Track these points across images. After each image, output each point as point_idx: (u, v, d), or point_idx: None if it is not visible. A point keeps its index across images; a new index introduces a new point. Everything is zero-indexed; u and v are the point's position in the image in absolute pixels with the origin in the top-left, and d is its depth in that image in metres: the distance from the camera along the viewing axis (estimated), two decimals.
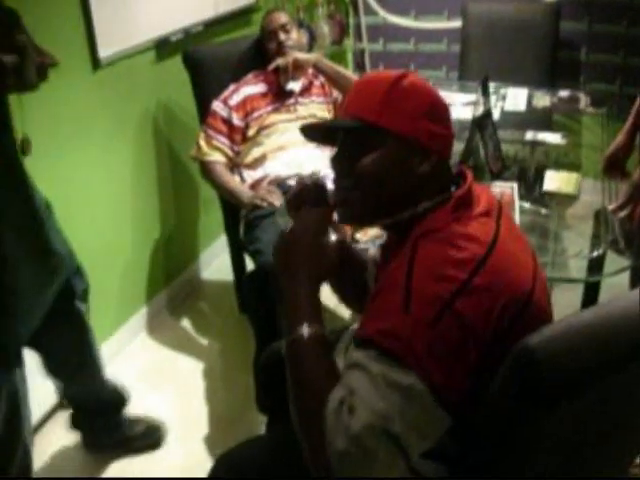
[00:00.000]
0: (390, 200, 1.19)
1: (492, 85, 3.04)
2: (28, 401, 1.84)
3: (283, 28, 2.68)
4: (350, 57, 4.21)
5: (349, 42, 4.14)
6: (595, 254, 1.90)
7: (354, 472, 1.01)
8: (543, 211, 2.15)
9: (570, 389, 0.86)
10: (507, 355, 0.97)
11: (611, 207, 2.18)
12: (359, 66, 4.18)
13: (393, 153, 1.17)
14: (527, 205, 2.14)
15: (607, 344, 0.88)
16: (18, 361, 1.77)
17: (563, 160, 2.59)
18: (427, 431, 1.04)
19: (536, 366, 0.86)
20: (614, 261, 2.04)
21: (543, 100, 3.02)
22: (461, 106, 2.91)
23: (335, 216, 1.27)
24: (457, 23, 3.74)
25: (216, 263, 3.44)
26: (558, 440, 0.97)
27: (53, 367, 2.06)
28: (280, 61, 2.65)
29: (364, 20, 4.05)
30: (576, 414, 0.93)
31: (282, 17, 2.72)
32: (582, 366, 0.86)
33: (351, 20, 4.12)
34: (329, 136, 1.28)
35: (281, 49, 2.66)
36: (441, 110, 1.22)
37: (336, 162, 1.24)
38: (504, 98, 3.02)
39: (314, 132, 1.32)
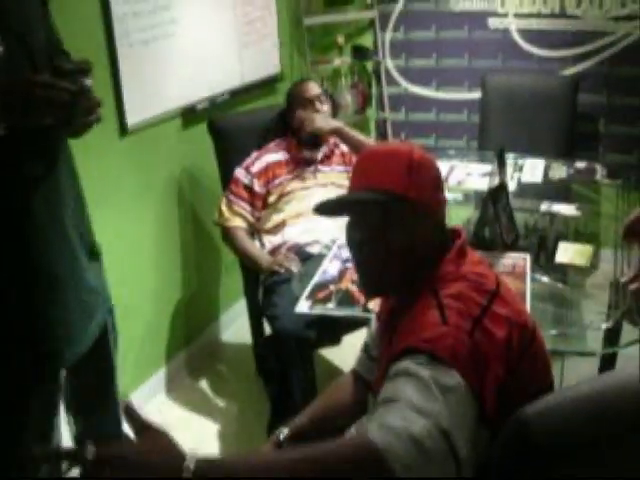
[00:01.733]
0: (413, 267, 1.25)
1: (510, 156, 3.09)
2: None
3: (319, 98, 2.77)
4: (372, 126, 4.29)
5: (371, 111, 4.23)
6: (604, 326, 1.91)
7: (416, 472, 0.97)
8: (558, 284, 2.16)
9: (563, 460, 0.88)
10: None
11: (623, 279, 2.19)
12: (381, 135, 4.26)
13: (416, 223, 1.24)
14: (543, 277, 2.15)
15: (601, 418, 0.90)
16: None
17: (582, 230, 2.61)
18: (471, 435, 1.03)
19: (531, 438, 0.88)
20: (632, 332, 2.04)
21: (560, 171, 3.05)
22: (479, 176, 2.95)
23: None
24: (477, 94, 3.81)
25: (236, 325, 3.47)
26: None
27: (76, 401, 2.07)
28: (309, 129, 2.72)
29: (386, 90, 4.14)
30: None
31: (316, 87, 2.83)
32: (576, 439, 0.88)
33: (373, 90, 4.22)
34: (341, 208, 1.32)
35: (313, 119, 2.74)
36: (441, 178, 1.32)
37: (360, 235, 1.28)
38: (521, 169, 3.07)
39: (331, 207, 1.34)
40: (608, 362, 2.28)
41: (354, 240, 1.29)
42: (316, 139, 2.78)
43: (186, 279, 3.12)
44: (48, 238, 1.66)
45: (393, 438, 0.96)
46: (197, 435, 2.73)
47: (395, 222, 1.23)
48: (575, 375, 2.37)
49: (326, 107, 2.81)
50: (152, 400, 2.95)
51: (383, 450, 0.95)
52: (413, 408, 0.99)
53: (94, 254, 1.89)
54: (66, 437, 2.17)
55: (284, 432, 1.52)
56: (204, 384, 3.09)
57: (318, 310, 1.99)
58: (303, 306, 1.99)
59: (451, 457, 0.98)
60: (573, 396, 0.92)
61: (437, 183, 1.29)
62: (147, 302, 2.89)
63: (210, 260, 3.31)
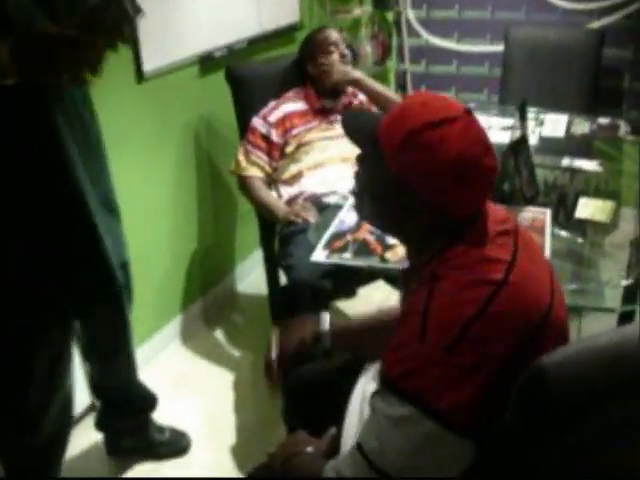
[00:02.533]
0: (389, 222, 1.24)
1: (531, 110, 3.05)
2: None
3: (337, 45, 2.73)
4: (392, 78, 4.24)
5: (391, 63, 4.17)
6: (623, 283, 1.89)
7: None
8: (577, 239, 2.14)
9: (579, 410, 0.88)
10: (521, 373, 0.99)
11: None
12: (401, 87, 4.21)
13: (405, 203, 1.15)
14: (562, 232, 2.13)
15: (619, 369, 0.89)
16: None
17: (603, 188, 2.57)
18: (451, 466, 1.08)
19: (547, 386, 0.88)
20: None
21: (582, 127, 3.00)
22: (499, 130, 2.91)
23: None
24: (499, 47, 3.75)
25: (252, 276, 3.49)
26: (565, 463, 0.98)
27: (91, 349, 2.11)
28: (329, 80, 2.69)
29: (407, 41, 4.09)
30: (585, 436, 0.94)
31: (334, 33, 2.78)
32: (593, 388, 0.88)
33: (394, 41, 4.17)
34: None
35: (322, 72, 2.71)
36: (464, 175, 1.10)
37: (357, 161, 1.26)
38: (542, 123, 3.02)
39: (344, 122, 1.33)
40: (626, 320, 2.27)
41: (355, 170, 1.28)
42: (335, 89, 2.75)
43: (203, 228, 3.12)
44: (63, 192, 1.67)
45: None
46: (211, 383, 2.77)
47: (372, 166, 1.19)
48: (592, 333, 2.39)
49: (346, 53, 2.75)
50: (167, 348, 2.98)
51: None
52: (359, 449, 1.11)
53: (111, 209, 1.89)
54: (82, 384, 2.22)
55: (326, 324, 1.54)
56: (219, 333, 3.11)
57: (334, 259, 1.97)
58: (319, 255, 1.98)
59: None
60: (591, 346, 0.91)
61: (451, 175, 1.09)
62: (163, 251, 2.90)
63: (227, 210, 3.31)
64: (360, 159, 1.24)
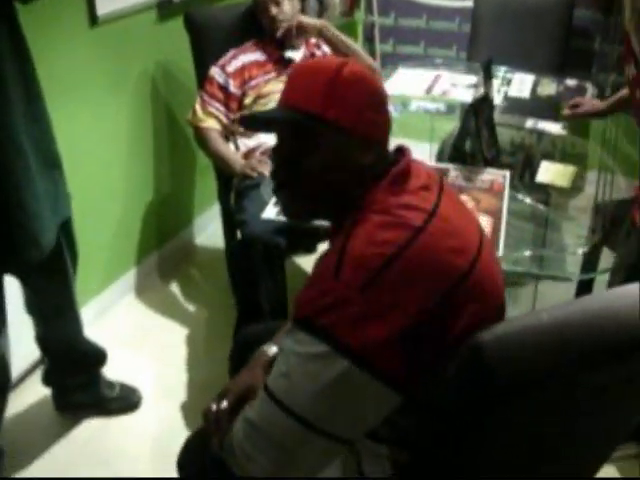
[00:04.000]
0: (334, 196, 1.17)
1: (499, 69, 3.01)
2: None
3: (273, 1, 2.57)
4: (360, 30, 4.14)
5: (360, 14, 4.07)
6: (581, 250, 1.86)
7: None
8: (539, 205, 2.10)
9: (517, 391, 0.84)
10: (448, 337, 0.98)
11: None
12: (368, 39, 4.12)
13: (338, 148, 1.14)
14: (523, 196, 2.09)
15: (559, 350, 0.85)
16: None
17: (569, 151, 2.55)
18: (365, 413, 1.05)
19: (484, 365, 0.84)
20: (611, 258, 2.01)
21: (549, 88, 2.96)
22: (464, 88, 2.85)
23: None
24: (470, 2, 3.67)
25: (210, 229, 3.42)
26: (507, 440, 0.96)
27: (34, 304, 2.06)
28: (285, 25, 2.58)
29: None
30: (522, 417, 0.91)
31: None
32: (531, 369, 0.84)
33: None
34: (269, 127, 1.26)
35: (274, 23, 2.58)
36: (381, 97, 1.19)
37: (276, 155, 1.20)
38: (509, 83, 2.97)
39: (253, 123, 1.29)
40: (585, 288, 2.26)
41: (272, 161, 1.22)
42: (289, 40, 2.64)
43: (159, 179, 3.04)
44: None
45: (242, 429, 1.09)
46: (164, 338, 2.72)
47: (310, 144, 1.13)
48: (551, 301, 2.38)
49: (286, 7, 2.58)
50: (121, 300, 2.93)
51: (234, 440, 1.10)
52: (266, 390, 1.07)
53: (52, 164, 1.79)
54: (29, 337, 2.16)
55: (272, 350, 1.43)
56: (175, 287, 3.06)
57: (284, 217, 1.92)
58: (270, 212, 1.93)
59: (302, 429, 1.03)
60: (534, 323, 0.87)
61: (372, 102, 1.16)
62: (117, 202, 2.82)
63: (185, 161, 3.22)
64: (295, 146, 1.16)
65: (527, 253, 1.82)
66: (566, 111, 2.66)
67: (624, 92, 2.47)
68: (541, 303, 2.41)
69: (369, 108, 1.15)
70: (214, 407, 1.30)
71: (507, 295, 1.18)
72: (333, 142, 1.13)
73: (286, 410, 1.04)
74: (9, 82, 1.57)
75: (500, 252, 1.69)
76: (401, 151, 1.21)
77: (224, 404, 1.29)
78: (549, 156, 2.42)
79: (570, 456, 1.09)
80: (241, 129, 2.61)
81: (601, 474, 2.07)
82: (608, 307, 0.89)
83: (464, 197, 1.94)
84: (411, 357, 1.01)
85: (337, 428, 1.04)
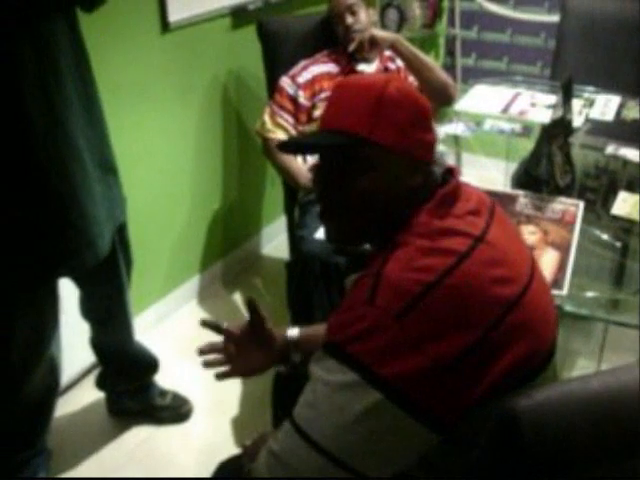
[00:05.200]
0: (381, 219, 1.10)
1: (583, 89, 2.86)
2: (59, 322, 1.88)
3: (350, 10, 2.52)
4: (441, 43, 4.05)
5: (441, 27, 3.97)
6: None
7: None
8: (615, 241, 1.95)
9: (557, 467, 0.75)
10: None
11: None
12: (450, 53, 4.02)
13: (387, 170, 1.08)
14: (597, 230, 1.95)
15: (607, 424, 0.75)
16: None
17: None
18: (396, 450, 0.98)
19: (520, 434, 0.75)
20: None
21: (634, 111, 2.80)
22: (544, 108, 2.72)
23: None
24: (557, 17, 3.51)
25: (278, 240, 3.39)
26: None
27: (88, 308, 2.07)
28: (358, 37, 2.52)
29: (459, 4, 3.88)
30: None
31: None
32: (574, 445, 0.75)
33: (445, 3, 3.96)
34: (312, 150, 1.21)
35: (348, 34, 2.52)
36: (427, 115, 1.13)
37: (321, 178, 1.14)
38: (592, 104, 2.82)
39: (293, 148, 1.23)
40: None
41: (316, 185, 1.16)
42: (361, 53, 2.57)
43: (227, 188, 3.03)
44: (50, 143, 1.56)
45: (265, 461, 1.05)
46: None
47: (357, 167, 1.07)
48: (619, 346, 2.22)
49: (363, 17, 2.54)
50: (184, 306, 2.93)
51: (256, 472, 1.06)
52: (291, 420, 1.02)
53: (107, 169, 1.79)
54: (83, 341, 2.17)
55: (293, 333, 1.46)
56: (237, 296, 3.04)
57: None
58: (322, 233, 1.87)
59: (325, 461, 0.98)
60: (578, 390, 0.77)
61: (417, 120, 1.10)
62: (184, 209, 2.82)
63: (255, 171, 3.20)
64: (342, 170, 1.10)
65: (590, 294, 1.68)
66: None
67: None
68: (611, 344, 2.25)
69: (416, 127, 1.10)
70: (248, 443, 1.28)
71: (577, 329, 1.07)
72: (381, 164, 1.08)
73: (311, 443, 0.98)
74: (69, 85, 1.57)
75: (564, 291, 1.57)
76: (450, 172, 1.15)
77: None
78: (634, 185, 2.26)
79: None
80: None
81: None
82: None
83: (531, 227, 1.83)
84: (450, 393, 0.94)
85: (364, 464, 0.98)
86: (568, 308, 1.16)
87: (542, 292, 1.09)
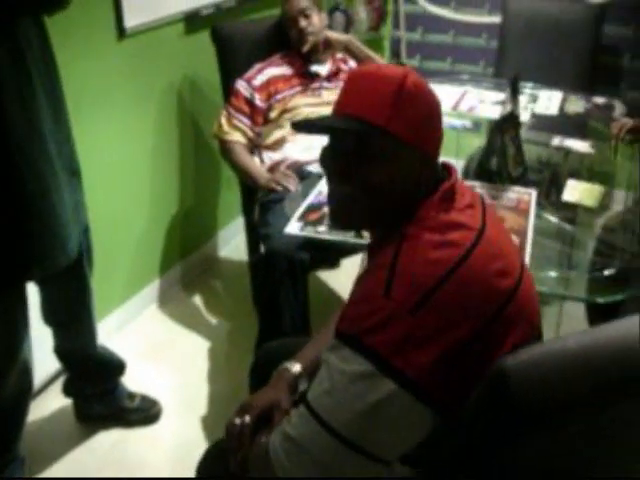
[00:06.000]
0: (388, 209, 1.14)
1: (526, 85, 2.98)
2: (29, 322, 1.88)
3: (303, 13, 2.58)
4: (387, 45, 4.14)
5: (386, 29, 4.07)
6: (607, 272, 1.83)
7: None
8: (565, 224, 2.07)
9: (540, 418, 0.82)
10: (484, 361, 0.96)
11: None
12: (395, 55, 4.11)
13: (399, 162, 1.11)
14: (549, 214, 2.06)
15: (586, 378, 0.83)
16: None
17: (597, 169, 2.52)
18: (406, 433, 1.04)
19: (508, 391, 0.82)
20: None
21: (576, 105, 2.93)
22: (491, 104, 2.84)
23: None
24: (498, 18, 3.65)
25: (235, 242, 3.43)
26: (529, 466, 0.94)
27: (52, 312, 2.06)
28: (312, 39, 2.59)
29: (403, 8, 3.98)
30: (550, 442, 0.89)
31: (302, 1, 2.61)
32: (556, 397, 0.82)
33: (390, 7, 4.05)
34: (322, 130, 1.21)
35: (302, 36, 2.59)
36: (439, 111, 1.17)
37: (333, 163, 1.16)
38: (536, 100, 2.95)
39: (302, 125, 1.24)
40: (612, 310, 2.22)
41: (325, 166, 1.19)
42: (316, 54, 2.65)
43: (184, 191, 3.05)
44: (24, 146, 1.58)
45: (281, 446, 1.08)
46: (186, 350, 2.73)
47: (371, 156, 1.10)
48: (576, 321, 2.35)
49: (315, 20, 2.60)
50: (144, 311, 2.94)
51: (272, 453, 1.09)
52: (308, 407, 1.06)
53: (73, 172, 1.81)
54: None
55: (296, 367, 1.42)
56: (197, 299, 3.06)
57: (308, 232, 1.92)
58: (293, 227, 1.93)
59: (344, 448, 1.02)
60: (559, 349, 0.85)
61: (431, 117, 1.14)
62: (142, 214, 2.84)
63: (210, 174, 3.24)
64: (355, 156, 1.13)
65: (553, 274, 1.79)
66: (617, 130, 2.63)
67: None
68: (567, 324, 2.38)
69: (429, 122, 1.14)
70: (237, 421, 1.30)
71: None
72: (394, 156, 1.11)
73: (328, 428, 1.03)
74: (40, 88, 1.59)
75: None
76: (447, 168, 1.20)
77: (247, 419, 1.28)
78: (576, 174, 2.39)
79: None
80: (267, 142, 2.62)
81: None
82: (634, 333, 0.87)
83: None
84: (458, 380, 1.01)
85: (378, 448, 1.03)
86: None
87: (530, 282, 1.17)
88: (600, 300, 1.71)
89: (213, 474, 1.45)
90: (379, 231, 1.20)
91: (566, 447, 0.91)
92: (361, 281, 1.13)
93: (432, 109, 1.15)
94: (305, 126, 1.23)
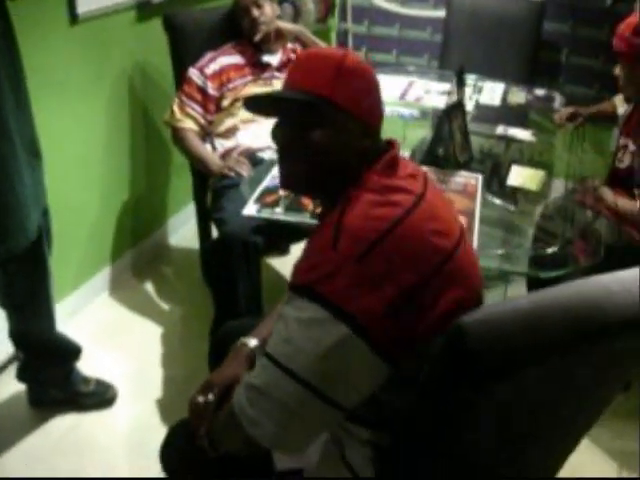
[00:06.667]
0: (334, 172, 1.23)
1: (470, 77, 3.08)
2: None
3: (255, 3, 2.64)
4: (333, 37, 4.21)
5: (334, 21, 4.13)
6: (550, 250, 1.93)
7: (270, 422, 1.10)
8: (508, 207, 2.17)
9: (499, 371, 0.89)
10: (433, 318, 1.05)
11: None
12: (342, 46, 4.18)
13: (342, 129, 1.21)
14: (494, 199, 2.16)
15: (538, 331, 0.91)
16: None
17: (536, 158, 2.62)
18: (360, 381, 1.11)
19: (467, 346, 0.89)
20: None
21: (518, 97, 3.05)
22: (437, 95, 2.93)
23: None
24: (442, 12, 3.75)
25: (184, 229, 3.45)
26: (487, 421, 1.01)
27: (10, 294, 2.06)
28: (264, 28, 2.64)
29: (350, 0, 4.05)
30: (506, 398, 0.96)
31: None
32: (512, 349, 0.89)
33: None
34: (271, 108, 1.29)
35: (255, 26, 2.64)
36: (378, 89, 1.28)
37: (281, 133, 1.26)
38: (480, 91, 3.05)
39: (257, 103, 1.32)
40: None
41: (275, 140, 1.28)
42: (267, 44, 2.70)
43: (134, 178, 3.06)
44: None
45: (244, 396, 1.14)
46: (139, 336, 2.74)
47: (315, 123, 1.21)
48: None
49: (268, 10, 2.66)
50: (95, 299, 2.94)
51: (236, 408, 1.14)
52: (267, 355, 1.12)
53: (34, 153, 1.82)
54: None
55: (252, 342, 1.48)
56: (149, 286, 3.07)
57: (265, 214, 1.97)
58: (250, 209, 1.98)
59: (304, 391, 1.08)
60: (512, 307, 0.92)
61: (370, 91, 1.26)
62: (93, 200, 2.84)
63: (160, 161, 3.25)
64: (301, 125, 1.22)
65: (499, 251, 1.89)
66: (560, 119, 2.82)
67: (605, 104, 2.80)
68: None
69: (369, 96, 1.25)
70: (200, 399, 1.35)
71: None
72: (338, 123, 1.21)
73: (290, 373, 1.08)
74: (1, 70, 1.60)
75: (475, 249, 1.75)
76: (390, 143, 1.29)
77: (210, 397, 1.34)
78: (517, 163, 2.49)
79: (554, 435, 1.16)
80: (219, 130, 2.65)
81: (601, 474, 2.16)
82: (583, 292, 0.96)
83: None
84: (401, 329, 1.08)
85: (336, 393, 1.09)
86: (481, 263, 1.32)
87: (470, 249, 1.26)
88: (542, 275, 1.82)
89: (177, 452, 1.49)
90: (327, 199, 1.28)
91: (524, 399, 0.98)
92: (311, 240, 1.20)
93: (370, 84, 1.26)
94: (256, 103, 1.31)
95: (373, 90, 1.27)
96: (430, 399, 1.03)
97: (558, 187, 2.52)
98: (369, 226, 1.10)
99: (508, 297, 2.49)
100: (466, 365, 0.89)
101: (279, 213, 1.96)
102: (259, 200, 2.03)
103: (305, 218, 1.94)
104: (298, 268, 1.15)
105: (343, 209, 1.14)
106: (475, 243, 1.80)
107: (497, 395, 0.94)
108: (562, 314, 0.91)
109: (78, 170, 2.69)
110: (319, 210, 1.37)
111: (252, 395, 1.13)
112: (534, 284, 2.30)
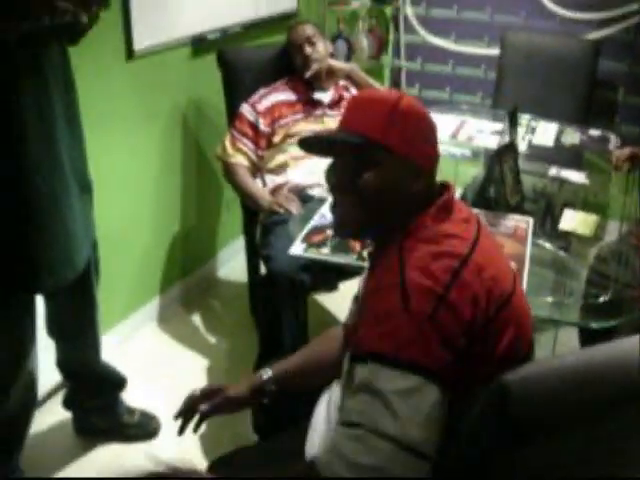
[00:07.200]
0: (387, 216, 1.24)
1: (523, 117, 3.05)
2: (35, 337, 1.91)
3: (309, 41, 2.69)
4: (387, 74, 4.23)
5: (387, 58, 4.15)
6: (602, 299, 1.88)
7: None
8: (560, 252, 2.13)
9: (543, 429, 0.87)
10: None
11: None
12: (395, 84, 4.19)
13: (393, 171, 1.22)
14: (544, 242, 2.12)
15: (583, 392, 0.88)
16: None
17: (591, 200, 2.58)
18: (438, 424, 1.07)
19: (510, 405, 0.87)
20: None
21: (572, 137, 3.00)
22: (490, 134, 2.90)
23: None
24: (496, 50, 3.74)
25: (234, 263, 3.47)
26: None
27: (57, 324, 2.09)
28: (316, 66, 2.67)
29: (404, 38, 4.07)
30: (551, 454, 0.94)
31: (308, 29, 2.73)
32: (556, 409, 0.87)
33: (391, 36, 4.15)
34: (327, 150, 1.30)
35: (307, 63, 2.68)
36: (433, 132, 1.28)
37: (334, 176, 1.27)
38: (533, 131, 3.02)
39: (312, 143, 1.33)
40: (605, 336, 2.26)
41: (329, 182, 1.29)
42: (319, 82, 2.73)
43: (186, 212, 3.10)
44: (40, 159, 1.63)
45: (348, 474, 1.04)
46: (184, 368, 2.75)
47: (368, 166, 1.22)
48: (571, 347, 2.39)
49: (321, 48, 2.71)
50: (143, 328, 2.97)
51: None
52: (375, 433, 1.04)
53: (85, 187, 1.86)
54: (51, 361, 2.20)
55: (268, 373, 1.55)
56: (197, 318, 3.10)
57: (311, 254, 1.97)
58: (297, 248, 1.98)
59: (420, 461, 1.03)
60: (557, 366, 0.90)
61: (425, 135, 1.26)
62: (145, 232, 2.88)
63: (212, 195, 3.29)
64: (354, 168, 1.23)
65: (549, 299, 1.85)
66: (617, 160, 2.76)
67: None
68: (560, 350, 2.42)
69: (423, 140, 1.25)
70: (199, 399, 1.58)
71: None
72: (390, 167, 1.22)
73: (406, 448, 1.03)
74: (58, 104, 1.65)
75: None
76: (445, 187, 1.29)
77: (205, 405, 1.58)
78: (570, 204, 2.45)
79: None
80: (270, 165, 2.68)
81: None
82: (631, 352, 0.92)
83: None
84: (467, 379, 1.08)
85: (434, 450, 1.06)
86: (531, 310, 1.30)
87: (523, 296, 1.25)
88: (594, 325, 1.77)
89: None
90: (378, 241, 1.29)
91: (565, 459, 0.95)
92: (367, 302, 1.19)
93: (425, 126, 1.27)
94: (310, 144, 1.32)
95: (428, 133, 1.27)
96: (472, 453, 1.01)
97: (613, 230, 2.47)
98: (433, 281, 1.09)
99: (558, 342, 2.44)
100: (508, 423, 0.87)
101: (325, 254, 1.96)
102: (306, 239, 2.03)
103: (352, 260, 1.93)
104: (368, 337, 1.12)
105: (402, 266, 1.13)
106: (525, 288, 1.76)
107: (538, 453, 0.92)
108: (610, 373, 0.89)
109: (131, 202, 2.74)
110: (368, 249, 1.37)
111: (362, 473, 1.05)
112: (587, 330, 2.24)
